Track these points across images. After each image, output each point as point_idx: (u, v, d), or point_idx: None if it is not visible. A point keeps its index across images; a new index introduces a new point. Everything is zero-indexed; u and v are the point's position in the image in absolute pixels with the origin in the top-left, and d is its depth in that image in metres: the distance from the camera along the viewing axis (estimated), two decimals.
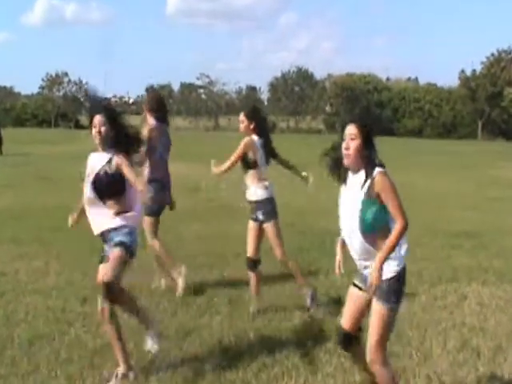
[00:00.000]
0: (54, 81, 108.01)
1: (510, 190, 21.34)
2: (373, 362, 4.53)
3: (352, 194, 4.51)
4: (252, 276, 7.30)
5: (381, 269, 4.30)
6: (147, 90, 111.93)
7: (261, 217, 7.15)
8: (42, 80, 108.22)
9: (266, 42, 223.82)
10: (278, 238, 7.14)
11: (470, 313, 7.45)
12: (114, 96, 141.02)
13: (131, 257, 5.44)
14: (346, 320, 4.77)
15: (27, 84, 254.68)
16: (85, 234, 6.04)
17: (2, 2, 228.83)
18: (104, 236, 5.49)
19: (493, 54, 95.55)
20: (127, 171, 5.30)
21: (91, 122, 5.43)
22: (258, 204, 7.16)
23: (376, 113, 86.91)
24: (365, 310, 4.70)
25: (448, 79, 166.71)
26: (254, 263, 7.25)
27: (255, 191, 7.15)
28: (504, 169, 30.72)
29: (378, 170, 4.44)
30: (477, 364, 5.88)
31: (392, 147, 38.41)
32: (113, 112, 5.56)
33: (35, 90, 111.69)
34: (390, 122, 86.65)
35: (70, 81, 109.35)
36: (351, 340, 4.80)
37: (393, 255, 4.38)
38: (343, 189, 4.68)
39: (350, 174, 4.61)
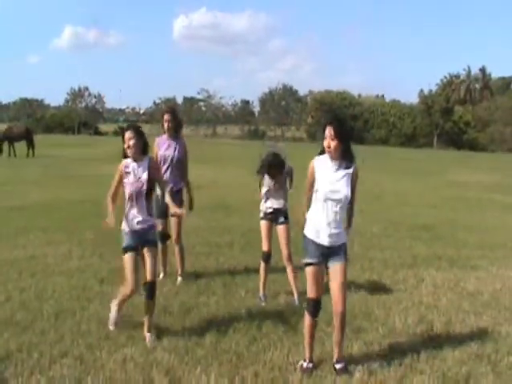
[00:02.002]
0: (77, 94, 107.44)
1: (461, 191, 21.42)
2: (344, 311, 4.96)
3: (338, 174, 4.90)
4: (264, 267, 7.06)
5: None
6: (154, 102, 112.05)
7: (283, 219, 7.04)
8: (67, 94, 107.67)
9: (256, 62, 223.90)
10: (289, 238, 7.03)
11: (426, 293, 7.48)
12: (127, 107, 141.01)
13: None
14: (316, 292, 4.99)
15: (55, 97, 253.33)
16: (101, 225, 6.02)
17: (37, 30, 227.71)
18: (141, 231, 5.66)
19: (446, 77, 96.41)
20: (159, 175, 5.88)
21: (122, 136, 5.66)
22: (283, 209, 7.05)
23: (350, 124, 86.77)
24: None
25: (409, 96, 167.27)
26: (269, 256, 7.04)
27: (283, 201, 7.05)
28: (456, 173, 30.81)
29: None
30: (431, 336, 5.93)
31: (363, 154, 38.35)
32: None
33: (62, 102, 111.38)
34: (362, 132, 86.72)
35: (90, 94, 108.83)
36: (320, 306, 5.05)
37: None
38: (323, 168, 4.93)
39: (328, 158, 4.92)
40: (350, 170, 4.95)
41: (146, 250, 5.64)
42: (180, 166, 7.73)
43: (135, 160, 5.64)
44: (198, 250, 9.50)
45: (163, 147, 7.67)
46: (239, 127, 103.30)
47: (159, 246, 7.06)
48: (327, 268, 5.05)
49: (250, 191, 19.37)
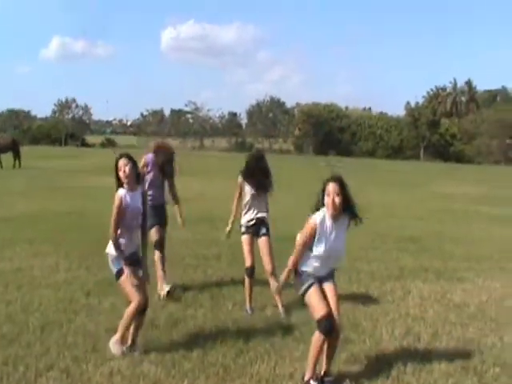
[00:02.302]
0: (64, 106, 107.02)
1: (447, 203, 21.54)
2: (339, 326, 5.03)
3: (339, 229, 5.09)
4: (249, 282, 7.10)
5: None
6: (142, 114, 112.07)
7: (264, 231, 7.15)
8: (54, 105, 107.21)
9: (244, 74, 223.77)
10: (272, 251, 7.09)
11: (413, 305, 7.51)
12: (115, 119, 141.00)
13: None
14: (326, 308, 4.93)
15: (42, 108, 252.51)
16: (89, 236, 6.02)
17: (24, 41, 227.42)
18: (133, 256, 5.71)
19: (432, 90, 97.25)
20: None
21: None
22: (265, 220, 7.20)
23: (337, 137, 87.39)
24: None
25: (396, 109, 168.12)
26: (253, 271, 7.09)
27: (265, 212, 7.21)
28: (442, 186, 30.97)
29: None
30: (418, 348, 5.95)
31: (350, 166, 38.59)
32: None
33: (49, 113, 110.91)
34: (349, 145, 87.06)
35: (77, 106, 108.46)
36: (333, 324, 4.95)
37: None
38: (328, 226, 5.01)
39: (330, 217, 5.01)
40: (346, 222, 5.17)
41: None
42: (162, 183, 8.08)
43: (131, 190, 5.63)
44: (187, 261, 9.50)
45: (150, 166, 7.85)
46: (226, 139, 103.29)
47: (157, 254, 7.60)
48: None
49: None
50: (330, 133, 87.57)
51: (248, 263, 7.07)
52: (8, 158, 32.44)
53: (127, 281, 5.51)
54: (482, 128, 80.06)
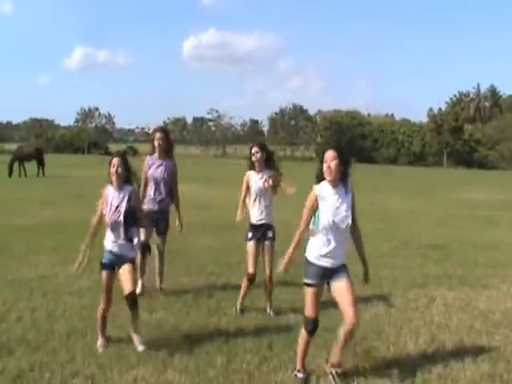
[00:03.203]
0: (87, 114, 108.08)
1: (470, 210, 21.36)
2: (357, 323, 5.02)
3: (341, 197, 5.00)
4: (248, 286, 7.18)
5: None
6: (164, 122, 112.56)
7: (271, 235, 7.16)
8: (77, 114, 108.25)
9: (266, 82, 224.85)
10: (273, 257, 7.05)
11: (437, 313, 7.45)
12: (137, 127, 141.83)
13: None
14: (315, 312, 5.09)
15: (65, 117, 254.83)
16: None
17: (47, 51, 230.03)
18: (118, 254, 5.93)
19: (455, 96, 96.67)
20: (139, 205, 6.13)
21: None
22: (271, 225, 7.21)
23: (359, 143, 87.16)
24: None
25: (419, 115, 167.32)
26: (254, 278, 7.13)
27: (272, 213, 7.21)
28: (465, 192, 30.74)
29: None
30: (443, 356, 5.90)
31: (372, 172, 38.47)
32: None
33: (72, 122, 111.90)
34: (371, 151, 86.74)
35: (100, 114, 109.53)
36: (317, 325, 5.14)
37: None
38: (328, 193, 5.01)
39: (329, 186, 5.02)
40: (350, 193, 5.09)
41: (121, 268, 5.88)
42: (167, 186, 7.90)
43: (118, 188, 5.84)
44: (210, 269, 9.52)
45: (153, 167, 7.86)
46: (248, 147, 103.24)
47: (138, 259, 7.42)
48: (329, 287, 5.17)
49: None
50: (352, 140, 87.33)
51: (251, 269, 7.09)
52: (32, 166, 32.81)
53: (102, 279, 5.93)
54: (506, 133, 79.31)
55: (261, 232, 7.14)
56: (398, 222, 16.73)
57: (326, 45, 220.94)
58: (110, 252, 5.91)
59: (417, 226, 16.39)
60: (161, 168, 7.84)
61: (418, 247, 12.49)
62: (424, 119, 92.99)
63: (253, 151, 7.27)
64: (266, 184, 7.07)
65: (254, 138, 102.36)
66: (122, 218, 5.79)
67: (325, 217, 4.97)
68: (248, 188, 7.24)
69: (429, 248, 12.41)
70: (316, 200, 5.01)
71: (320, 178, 5.05)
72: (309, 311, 5.09)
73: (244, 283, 7.21)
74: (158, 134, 7.85)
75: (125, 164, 5.84)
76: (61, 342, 5.96)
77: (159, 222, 7.93)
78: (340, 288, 5.08)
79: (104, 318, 6.02)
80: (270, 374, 5.30)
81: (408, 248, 12.32)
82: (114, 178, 5.81)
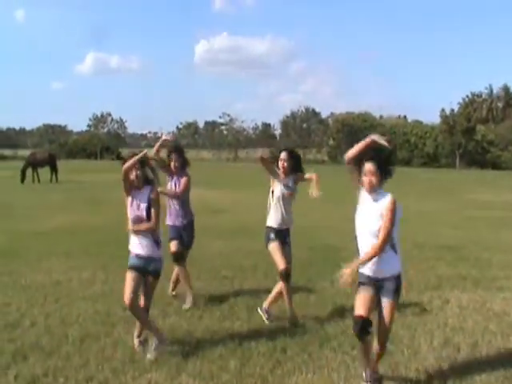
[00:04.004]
0: (100, 120, 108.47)
1: (484, 211, 21.23)
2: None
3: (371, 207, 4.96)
4: (286, 288, 6.94)
5: None
6: (177, 127, 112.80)
7: (289, 239, 7.14)
8: (90, 119, 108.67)
9: (278, 85, 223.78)
10: (291, 260, 7.04)
11: (451, 315, 7.41)
12: (149, 132, 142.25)
13: None
14: (361, 310, 4.91)
15: (78, 123, 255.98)
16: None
17: (61, 57, 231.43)
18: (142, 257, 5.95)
19: (467, 96, 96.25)
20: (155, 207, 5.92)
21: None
22: (289, 230, 7.18)
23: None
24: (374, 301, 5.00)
25: (431, 117, 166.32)
26: (289, 274, 6.92)
27: (292, 219, 7.16)
28: (479, 193, 30.56)
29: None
30: (457, 358, 5.86)
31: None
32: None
33: (84, 127, 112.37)
34: None
35: (112, 120, 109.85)
36: (367, 327, 4.88)
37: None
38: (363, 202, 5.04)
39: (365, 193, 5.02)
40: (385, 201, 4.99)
41: (150, 278, 5.94)
42: (180, 201, 7.88)
43: (138, 188, 5.90)
44: (223, 273, 9.52)
45: (168, 184, 7.89)
46: (261, 150, 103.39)
47: (176, 269, 7.74)
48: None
49: None
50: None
51: (282, 265, 6.90)
52: (45, 172, 32.99)
53: (126, 280, 5.89)
54: None
55: (282, 236, 7.05)
56: (411, 224, 16.64)
57: (337, 47, 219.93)
58: (136, 255, 5.92)
59: (430, 227, 16.31)
60: (173, 182, 7.89)
61: (432, 249, 12.43)
62: (436, 120, 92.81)
63: (281, 157, 7.07)
64: (290, 191, 7.04)
65: (266, 141, 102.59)
66: (144, 215, 5.84)
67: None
68: (272, 175, 7.11)
69: (443, 250, 12.35)
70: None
71: None
72: (356, 310, 4.98)
73: (279, 285, 7.03)
74: (173, 156, 7.89)
75: (142, 165, 5.90)
76: (74, 347, 5.98)
77: (182, 235, 7.93)
78: (382, 306, 5.07)
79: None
80: (283, 378, 5.29)
81: (422, 250, 12.26)
82: (135, 182, 5.87)
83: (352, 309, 7.53)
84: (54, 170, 33.30)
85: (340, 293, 7.99)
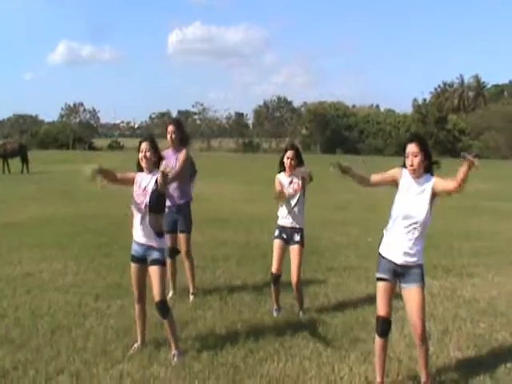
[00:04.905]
0: (72, 110, 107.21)
1: (454, 200, 21.35)
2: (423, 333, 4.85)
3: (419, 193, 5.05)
4: (274, 289, 6.88)
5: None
6: (150, 116, 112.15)
7: (298, 238, 6.80)
8: (62, 109, 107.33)
9: (252, 75, 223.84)
10: (300, 261, 6.76)
11: None
12: (122, 122, 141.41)
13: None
14: (384, 310, 4.88)
15: (49, 113, 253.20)
16: (98, 240, 6.03)
17: (31, 46, 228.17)
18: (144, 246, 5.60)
19: (439, 86, 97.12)
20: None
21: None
22: (300, 228, 6.84)
23: (345, 134, 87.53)
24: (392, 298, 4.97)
25: (404, 106, 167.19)
26: (278, 278, 6.83)
27: (301, 217, 6.87)
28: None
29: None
30: (428, 344, 5.91)
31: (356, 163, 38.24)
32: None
33: (56, 117, 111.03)
34: (356, 143, 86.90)
35: (84, 110, 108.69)
36: (389, 325, 4.91)
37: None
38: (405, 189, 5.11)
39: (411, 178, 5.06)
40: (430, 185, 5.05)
41: (150, 270, 5.54)
42: (180, 178, 7.34)
43: (148, 171, 5.58)
44: (196, 263, 9.47)
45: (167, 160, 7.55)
46: (234, 140, 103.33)
47: (168, 261, 6.69)
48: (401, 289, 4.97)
49: (245, 204, 19.41)
50: (337, 131, 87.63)
51: (274, 269, 6.80)
52: (16, 163, 32.59)
53: (131, 273, 5.70)
54: (490, 123, 79.75)
55: (288, 234, 6.82)
56: (383, 213, 16.73)
57: (311, 37, 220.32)
58: (138, 243, 5.58)
59: None
60: (172, 160, 7.44)
61: None
62: (409, 110, 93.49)
63: (287, 155, 6.84)
64: (294, 188, 6.78)
65: (239, 131, 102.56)
66: (147, 199, 5.44)
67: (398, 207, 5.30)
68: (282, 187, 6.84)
69: None
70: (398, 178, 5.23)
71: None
72: (378, 311, 4.91)
73: (271, 286, 6.94)
74: (169, 128, 7.59)
75: (154, 148, 5.59)
76: (45, 339, 5.91)
77: (178, 218, 7.56)
78: (408, 296, 4.92)
79: (141, 320, 5.81)
80: (255, 367, 5.29)
81: None
82: (143, 163, 5.54)
83: (325, 296, 7.63)
84: (24, 160, 32.89)
85: (312, 280, 8.02)
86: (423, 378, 4.90)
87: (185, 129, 7.79)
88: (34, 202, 18.66)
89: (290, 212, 6.80)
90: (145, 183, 5.52)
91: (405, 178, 5.01)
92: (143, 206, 5.47)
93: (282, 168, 6.91)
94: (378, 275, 4.93)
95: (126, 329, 6.18)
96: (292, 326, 6.41)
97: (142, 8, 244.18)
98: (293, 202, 6.79)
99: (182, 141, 7.55)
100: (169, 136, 7.48)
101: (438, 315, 6.94)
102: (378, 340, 4.93)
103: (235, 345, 5.79)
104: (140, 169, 5.64)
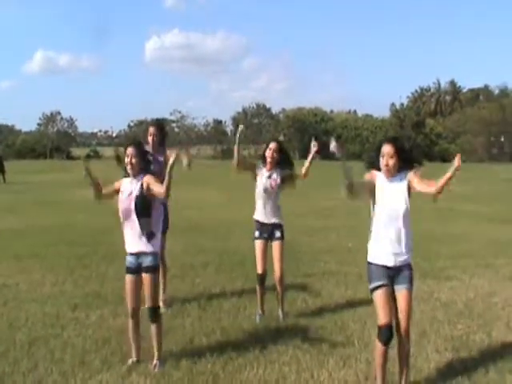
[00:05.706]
0: (49, 119, 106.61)
1: (431, 203, 21.45)
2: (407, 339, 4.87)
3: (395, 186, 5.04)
4: (260, 290, 6.90)
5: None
6: (128, 125, 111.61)
7: (279, 234, 6.84)
8: (39, 118, 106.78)
9: (230, 82, 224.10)
10: (282, 257, 6.82)
11: None
12: (100, 131, 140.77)
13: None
14: (386, 318, 4.76)
15: (26, 122, 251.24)
16: (75, 250, 5.99)
17: (7, 55, 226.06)
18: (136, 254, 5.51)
19: (416, 91, 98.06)
20: (153, 183, 5.37)
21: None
22: (280, 224, 6.89)
23: (323, 140, 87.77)
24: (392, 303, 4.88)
25: (381, 111, 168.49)
26: (264, 278, 6.84)
27: (279, 212, 6.92)
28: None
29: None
30: (409, 345, 5.94)
31: (337, 169, 38.39)
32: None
33: (33, 127, 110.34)
34: None
35: (62, 119, 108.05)
36: (392, 332, 4.80)
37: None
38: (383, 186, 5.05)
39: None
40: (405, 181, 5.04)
41: (144, 277, 5.47)
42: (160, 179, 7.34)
43: (134, 177, 5.49)
44: (173, 272, 9.43)
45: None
46: (212, 147, 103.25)
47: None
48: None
49: (224, 211, 19.38)
50: (315, 137, 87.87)
51: (259, 270, 6.81)
52: None
53: (125, 284, 5.56)
54: (466, 126, 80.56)
55: (268, 231, 6.84)
56: (363, 218, 16.80)
57: (288, 44, 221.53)
58: (131, 254, 5.49)
59: None
60: (155, 165, 7.31)
61: None
62: (386, 114, 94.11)
63: (270, 146, 6.87)
64: (274, 183, 6.80)
65: (217, 138, 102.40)
66: (133, 204, 5.35)
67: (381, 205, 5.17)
68: (255, 170, 6.90)
69: None
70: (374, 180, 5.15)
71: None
72: (380, 319, 4.78)
73: (257, 288, 6.94)
74: (151, 129, 7.54)
75: (141, 153, 5.50)
76: (22, 351, 5.85)
77: None
78: (397, 297, 4.89)
79: (136, 334, 5.67)
80: (235, 374, 5.28)
81: None
82: (128, 168, 5.44)
83: (304, 301, 7.64)
84: (1, 171, 32.66)
85: (291, 286, 8.03)
86: (402, 380, 4.93)
87: (166, 132, 7.77)
88: (11, 213, 18.48)
89: (267, 210, 6.83)
90: (130, 189, 5.44)
91: (379, 179, 5.02)
92: (130, 212, 5.40)
93: (263, 162, 6.92)
94: (374, 284, 4.84)
95: (105, 339, 6.15)
96: (271, 331, 6.42)
97: (120, 15, 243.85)
98: (270, 199, 6.83)
99: (161, 143, 7.55)
100: (150, 138, 7.46)
101: (415, 318, 6.95)
102: (380, 349, 4.80)
103: (214, 352, 5.77)
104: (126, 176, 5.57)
